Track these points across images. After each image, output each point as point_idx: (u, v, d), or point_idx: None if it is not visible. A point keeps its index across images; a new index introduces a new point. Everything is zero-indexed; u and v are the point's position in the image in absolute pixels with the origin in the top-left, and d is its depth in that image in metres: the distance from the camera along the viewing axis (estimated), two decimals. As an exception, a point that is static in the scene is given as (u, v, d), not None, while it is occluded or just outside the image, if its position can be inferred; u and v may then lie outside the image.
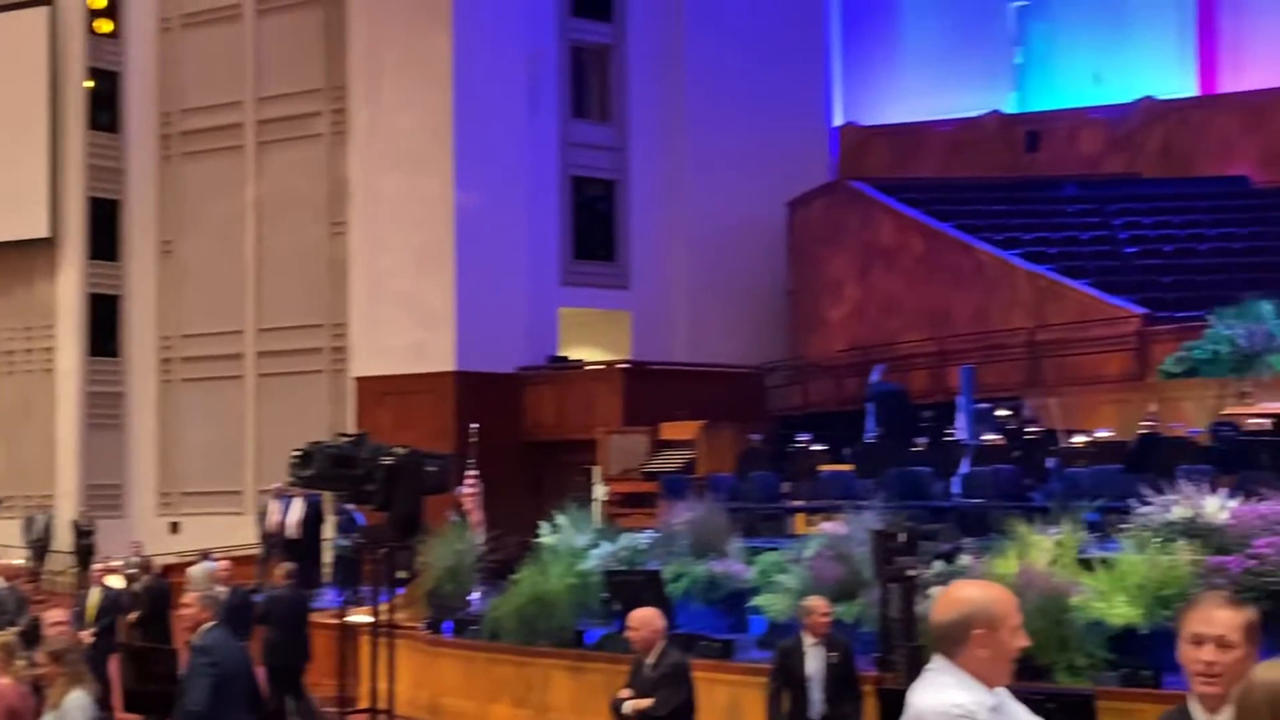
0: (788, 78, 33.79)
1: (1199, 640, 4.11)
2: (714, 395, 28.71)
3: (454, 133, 29.89)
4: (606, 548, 17.56)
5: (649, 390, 28.63)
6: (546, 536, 18.03)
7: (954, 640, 4.14)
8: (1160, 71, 33.30)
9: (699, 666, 13.53)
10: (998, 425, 21.57)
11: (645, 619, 9.88)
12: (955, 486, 19.15)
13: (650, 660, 9.77)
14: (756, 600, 15.61)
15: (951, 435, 21.04)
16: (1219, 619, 4.11)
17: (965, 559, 14.11)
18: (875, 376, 24.22)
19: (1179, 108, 33.15)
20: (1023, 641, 4.20)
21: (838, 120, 35.69)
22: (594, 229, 32.69)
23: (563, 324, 31.90)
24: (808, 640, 11.47)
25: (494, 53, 30.41)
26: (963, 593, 4.25)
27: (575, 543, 17.73)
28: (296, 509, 24.09)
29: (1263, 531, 12.80)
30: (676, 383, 29.12)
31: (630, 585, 15.43)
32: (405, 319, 29.92)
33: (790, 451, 22.88)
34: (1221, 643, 4.09)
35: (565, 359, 31.38)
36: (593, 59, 33.08)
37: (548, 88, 31.93)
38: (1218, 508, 13.51)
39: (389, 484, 11.34)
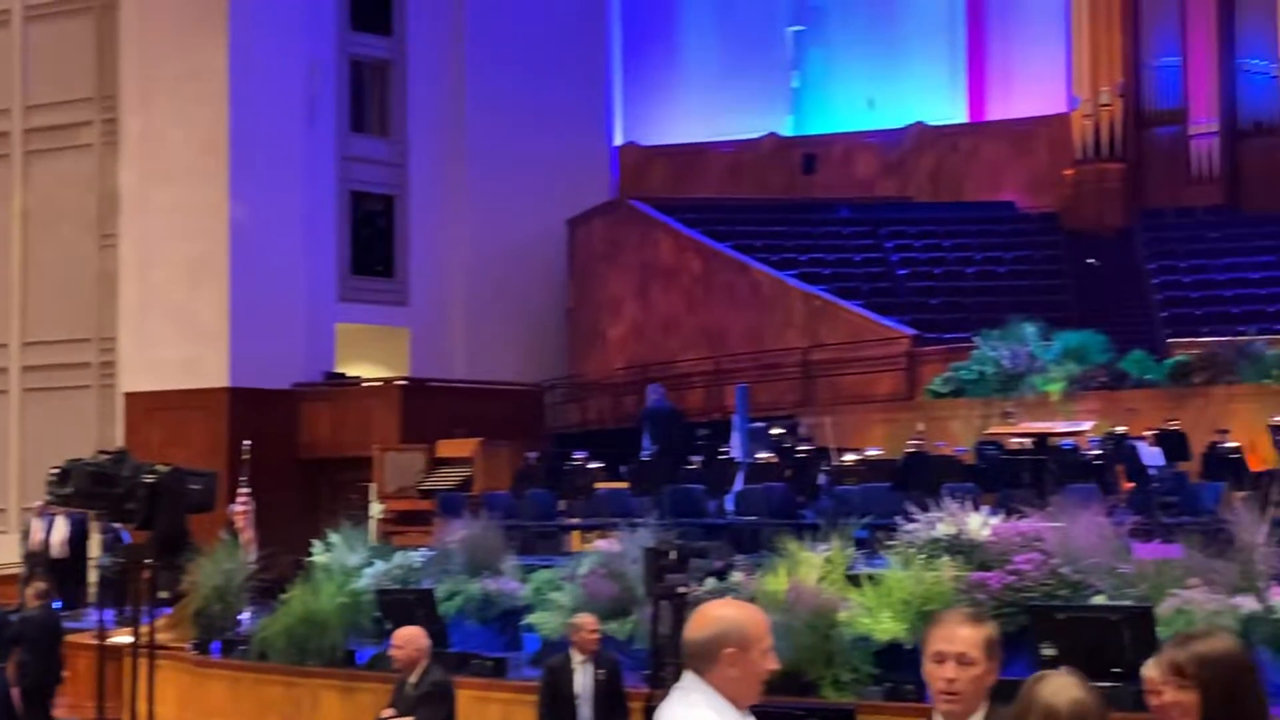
0: (569, 96, 33.91)
1: (941, 658, 4.17)
2: (493, 413, 28.63)
3: (229, 145, 29.38)
4: (380, 566, 17.34)
5: (427, 407, 28.44)
6: (319, 555, 17.76)
7: (705, 658, 4.14)
8: (932, 98, 34.13)
9: (471, 685, 13.48)
10: (772, 443, 21.84)
11: (409, 637, 9.82)
12: (729, 504, 19.36)
13: (413, 679, 9.71)
14: (530, 618, 15.56)
15: (726, 453, 21.27)
16: (960, 636, 4.18)
17: (737, 576, 14.22)
18: (652, 397, 24.38)
19: (949, 134, 34.02)
20: (773, 664, 4.20)
21: (618, 139, 35.92)
22: (373, 245, 32.40)
23: (340, 340, 31.54)
24: (576, 658, 11.48)
25: (271, 65, 29.96)
26: (716, 612, 4.25)
27: (348, 561, 17.48)
28: (60, 528, 23.45)
29: (1022, 548, 13.10)
30: (455, 400, 28.98)
31: (402, 604, 15.28)
32: (177, 333, 29.30)
33: (567, 469, 22.92)
34: (962, 659, 4.15)
35: (342, 375, 31.02)
36: (372, 73, 32.82)
37: (326, 101, 31.58)
38: (980, 525, 13.79)
39: (151, 502, 11.07)
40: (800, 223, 32.13)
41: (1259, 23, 30.69)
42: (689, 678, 4.17)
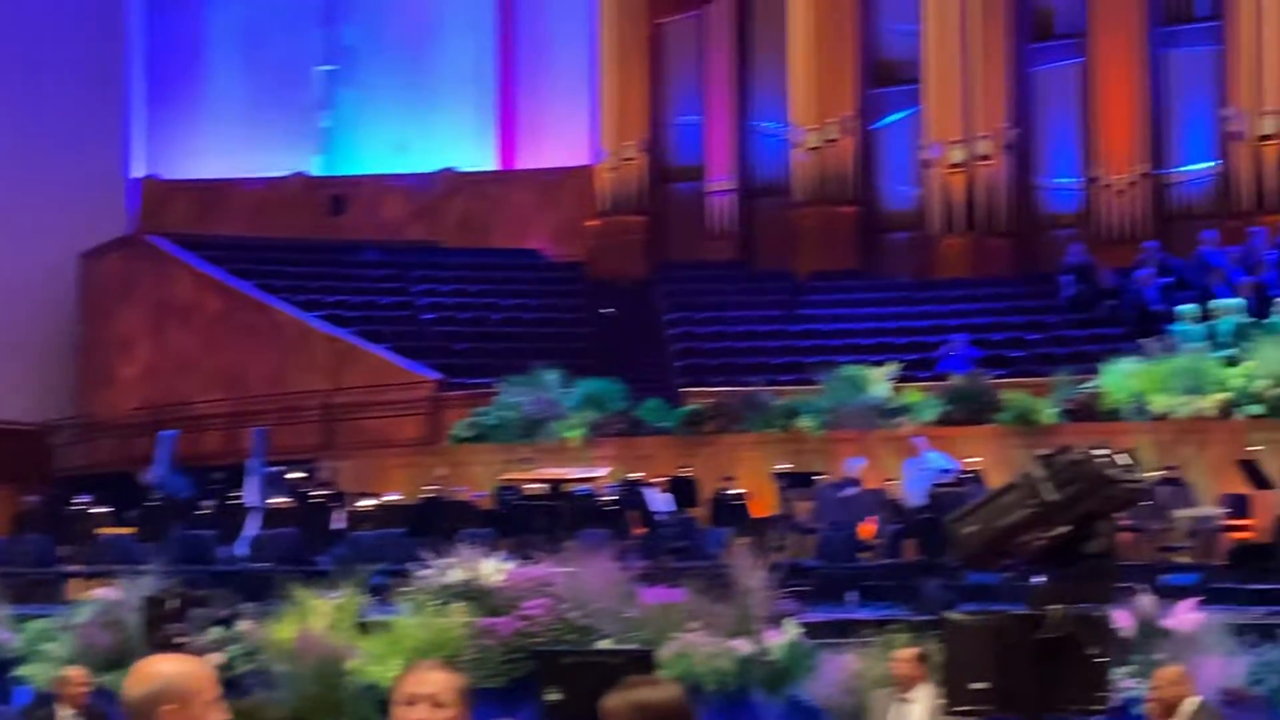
0: (84, 124, 32.54)
1: (413, 700, 4.22)
2: (-7, 453, 27.23)
3: None
4: None
5: (-82, 448, 26.78)
6: None
7: (143, 717, 3.95)
8: (463, 144, 34.28)
9: (-52, 745, 12.62)
10: (289, 488, 21.44)
11: None
12: (242, 550, 18.92)
13: None
14: (21, 670, 14.81)
15: (239, 498, 20.78)
16: (432, 679, 4.26)
17: (244, 624, 13.88)
18: (158, 472, 23.47)
19: (478, 180, 34.20)
20: (220, 715, 4.05)
21: (138, 172, 34.69)
22: None
23: None
24: (65, 712, 10.95)
25: None
26: (153, 668, 4.07)
27: None
28: None
29: (533, 593, 13.19)
30: (-49, 441, 27.39)
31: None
32: None
33: (69, 513, 21.92)
34: (434, 701, 4.21)
35: None
36: None
37: None
38: (493, 570, 13.83)
39: None
40: (326, 263, 31.73)
41: (771, 86, 31.97)
42: (130, 742, 3.95)
